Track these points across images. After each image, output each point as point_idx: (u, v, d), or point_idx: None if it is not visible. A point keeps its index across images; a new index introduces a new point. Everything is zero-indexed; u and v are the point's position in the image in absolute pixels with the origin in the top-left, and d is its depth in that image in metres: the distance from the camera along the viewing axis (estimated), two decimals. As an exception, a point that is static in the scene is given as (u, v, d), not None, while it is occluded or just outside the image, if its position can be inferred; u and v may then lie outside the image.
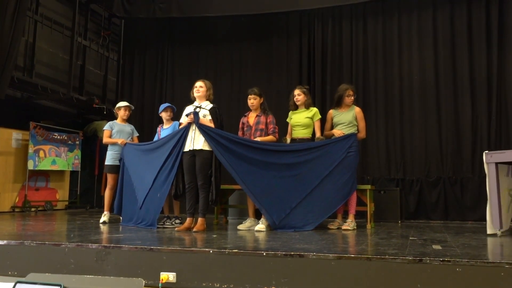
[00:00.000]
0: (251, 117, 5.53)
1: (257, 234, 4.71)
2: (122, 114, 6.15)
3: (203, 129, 4.95)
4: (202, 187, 4.95)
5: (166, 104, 5.95)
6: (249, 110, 5.64)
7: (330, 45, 8.33)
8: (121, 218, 5.85)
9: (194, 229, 4.86)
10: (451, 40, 7.58)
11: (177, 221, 5.52)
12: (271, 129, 5.40)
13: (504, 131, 7.14)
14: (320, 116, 5.50)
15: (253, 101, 5.49)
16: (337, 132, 5.39)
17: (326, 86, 8.13)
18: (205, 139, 4.94)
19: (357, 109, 5.55)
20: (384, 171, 7.67)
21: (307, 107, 5.52)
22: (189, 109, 5.24)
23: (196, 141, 4.99)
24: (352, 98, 5.57)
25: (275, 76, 8.59)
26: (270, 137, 5.38)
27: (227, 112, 7.95)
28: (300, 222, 5.03)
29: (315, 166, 5.19)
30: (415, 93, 7.68)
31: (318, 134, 5.44)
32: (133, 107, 6.34)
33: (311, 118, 5.45)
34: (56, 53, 9.22)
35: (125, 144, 5.87)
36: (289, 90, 8.28)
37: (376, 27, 8.09)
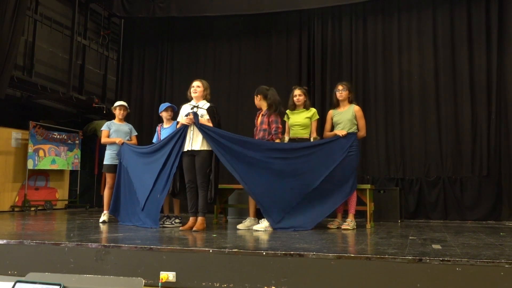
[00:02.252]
0: (259, 117, 5.51)
1: (256, 233, 4.71)
2: (117, 113, 6.17)
3: (203, 129, 4.94)
4: (201, 186, 4.96)
5: (167, 104, 5.95)
6: (252, 108, 5.62)
7: (329, 45, 8.33)
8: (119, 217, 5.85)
9: (194, 228, 4.86)
10: (450, 39, 7.58)
11: (177, 220, 5.52)
12: (274, 129, 5.22)
13: (503, 131, 7.14)
14: (318, 117, 5.50)
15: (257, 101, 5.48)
16: (341, 132, 5.36)
17: (326, 85, 8.13)
18: (206, 139, 4.94)
19: (356, 108, 5.52)
20: (383, 171, 7.67)
21: (307, 107, 5.51)
22: (186, 108, 5.22)
23: (194, 142, 4.99)
24: (342, 93, 5.50)
25: (274, 75, 8.58)
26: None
27: (225, 111, 7.95)
28: (300, 222, 5.03)
29: (316, 166, 5.18)
30: (414, 92, 7.68)
31: (314, 134, 5.43)
32: (127, 106, 6.30)
33: (310, 118, 5.45)
34: (56, 53, 9.21)
35: (123, 143, 5.86)
36: (288, 89, 8.30)
37: (375, 26, 8.09)
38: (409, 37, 7.87)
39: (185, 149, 5.03)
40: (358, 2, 8.06)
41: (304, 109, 5.50)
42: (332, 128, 5.55)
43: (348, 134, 5.33)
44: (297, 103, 5.51)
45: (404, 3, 7.95)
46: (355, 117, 5.46)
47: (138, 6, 9.20)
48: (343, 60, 8.22)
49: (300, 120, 5.46)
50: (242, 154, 5.00)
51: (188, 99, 5.33)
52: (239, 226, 5.24)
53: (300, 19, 8.64)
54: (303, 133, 5.45)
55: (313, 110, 5.51)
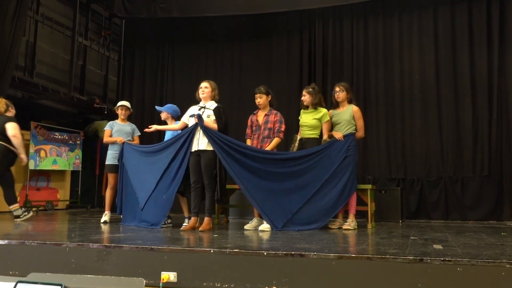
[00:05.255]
0: (260, 116, 5.51)
1: (261, 234, 4.71)
2: (120, 113, 6.18)
3: (207, 132, 4.95)
4: (208, 187, 4.97)
5: (162, 108, 5.89)
6: (254, 108, 5.63)
7: (330, 45, 8.32)
8: (121, 217, 5.85)
9: (200, 229, 4.86)
10: (451, 39, 7.57)
11: (169, 221, 5.52)
12: (277, 128, 5.38)
13: (505, 130, 7.13)
14: (328, 118, 5.42)
15: (259, 100, 5.48)
16: (337, 134, 5.36)
17: (327, 86, 8.10)
18: (209, 142, 4.95)
19: (354, 108, 5.51)
20: (384, 171, 7.66)
21: (315, 107, 5.45)
22: (193, 109, 5.24)
23: (201, 142, 5.00)
24: (340, 94, 5.49)
25: (275, 75, 8.57)
26: (275, 141, 5.36)
27: (226, 111, 7.94)
28: (302, 226, 5.03)
29: (316, 171, 5.19)
30: (415, 92, 7.67)
31: (325, 136, 5.39)
32: (129, 106, 6.28)
33: (319, 119, 5.40)
34: (57, 53, 9.23)
35: (124, 143, 5.86)
36: (289, 90, 8.36)
37: (376, 26, 8.08)
38: (410, 37, 7.85)
39: (193, 150, 5.04)
40: (358, 2, 8.05)
41: (313, 109, 5.45)
42: (332, 128, 5.55)
43: (345, 136, 5.33)
44: (304, 103, 5.50)
45: (405, 4, 7.94)
46: (353, 118, 5.46)
47: (139, 7, 9.20)
48: (344, 61, 8.21)
49: (308, 121, 5.44)
50: (243, 162, 5.02)
51: (191, 99, 5.34)
52: (246, 227, 5.23)
53: (301, 20, 8.64)
54: (310, 134, 5.44)
55: (323, 111, 5.43)
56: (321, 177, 5.18)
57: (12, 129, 5.93)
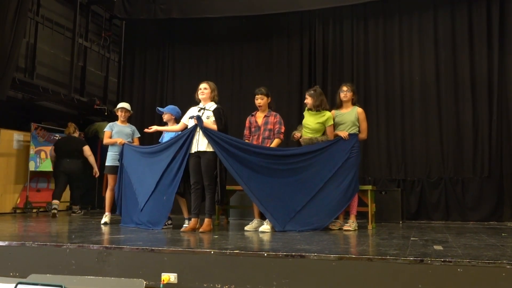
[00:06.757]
0: (259, 117, 5.52)
1: (261, 235, 4.70)
2: (119, 115, 6.19)
3: (207, 133, 4.96)
4: (208, 188, 4.97)
5: (163, 109, 5.87)
6: (255, 109, 5.62)
7: (331, 46, 8.32)
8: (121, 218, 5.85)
9: (201, 230, 4.87)
10: (451, 40, 7.57)
11: (169, 222, 5.52)
12: (277, 129, 5.38)
13: (505, 131, 7.12)
14: (332, 122, 5.34)
15: (260, 101, 5.48)
16: (343, 133, 5.34)
17: (327, 86, 8.10)
18: (210, 143, 4.95)
19: (359, 110, 5.51)
20: (385, 172, 7.66)
21: (318, 109, 5.33)
22: (193, 110, 5.24)
23: (200, 143, 5.00)
24: (347, 94, 5.49)
25: (276, 76, 8.57)
26: (276, 142, 5.36)
27: (227, 112, 7.94)
28: (305, 226, 5.02)
29: (319, 169, 5.18)
30: (416, 93, 7.66)
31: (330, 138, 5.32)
32: (128, 108, 6.28)
33: (323, 123, 5.32)
34: (57, 54, 9.24)
35: (124, 144, 5.86)
36: (290, 91, 8.37)
37: (377, 27, 8.08)
38: (410, 38, 7.85)
39: (192, 151, 5.05)
40: (358, 4, 8.05)
41: (317, 112, 5.35)
42: (334, 129, 5.53)
43: (350, 135, 5.32)
44: (308, 106, 5.48)
45: (405, 5, 7.94)
46: (358, 119, 5.45)
47: (139, 8, 9.19)
48: (344, 62, 8.20)
49: (311, 124, 5.36)
50: (245, 159, 5.01)
51: (191, 101, 5.34)
52: (247, 228, 5.23)
53: (301, 21, 8.63)
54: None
55: (327, 115, 5.33)
56: (324, 175, 5.16)
57: (88, 150, 7.72)
